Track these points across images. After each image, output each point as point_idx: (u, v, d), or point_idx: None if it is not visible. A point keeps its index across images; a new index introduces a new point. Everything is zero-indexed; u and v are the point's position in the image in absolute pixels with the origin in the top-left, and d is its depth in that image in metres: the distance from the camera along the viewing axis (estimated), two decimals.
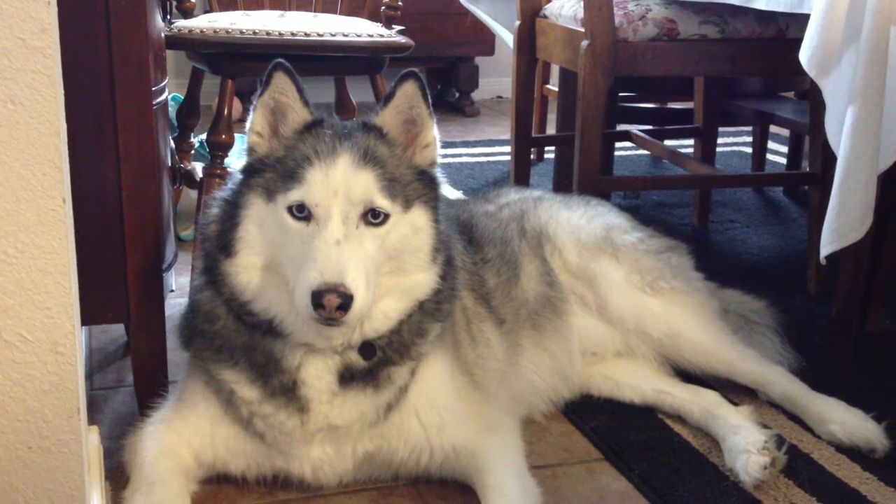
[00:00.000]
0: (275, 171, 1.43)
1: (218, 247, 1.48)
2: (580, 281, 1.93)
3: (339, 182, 1.39)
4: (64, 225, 1.08)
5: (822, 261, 1.89)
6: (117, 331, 2.16)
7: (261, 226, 1.44)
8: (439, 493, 1.58)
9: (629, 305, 1.90)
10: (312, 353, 1.46)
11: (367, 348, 1.47)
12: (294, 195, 1.39)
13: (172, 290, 2.34)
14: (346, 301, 1.32)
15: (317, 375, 1.46)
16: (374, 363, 1.48)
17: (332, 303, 1.31)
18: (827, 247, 1.84)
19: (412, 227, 1.46)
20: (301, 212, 1.39)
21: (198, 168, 2.46)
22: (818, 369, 2.00)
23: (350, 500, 1.56)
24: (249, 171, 1.47)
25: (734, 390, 1.91)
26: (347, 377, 1.47)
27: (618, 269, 1.92)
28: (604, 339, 1.93)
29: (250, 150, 1.48)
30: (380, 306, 1.45)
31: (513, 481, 1.50)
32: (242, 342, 1.48)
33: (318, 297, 1.31)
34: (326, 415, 1.47)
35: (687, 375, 1.92)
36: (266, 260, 1.44)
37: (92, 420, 1.71)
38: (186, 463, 1.52)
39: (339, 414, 1.47)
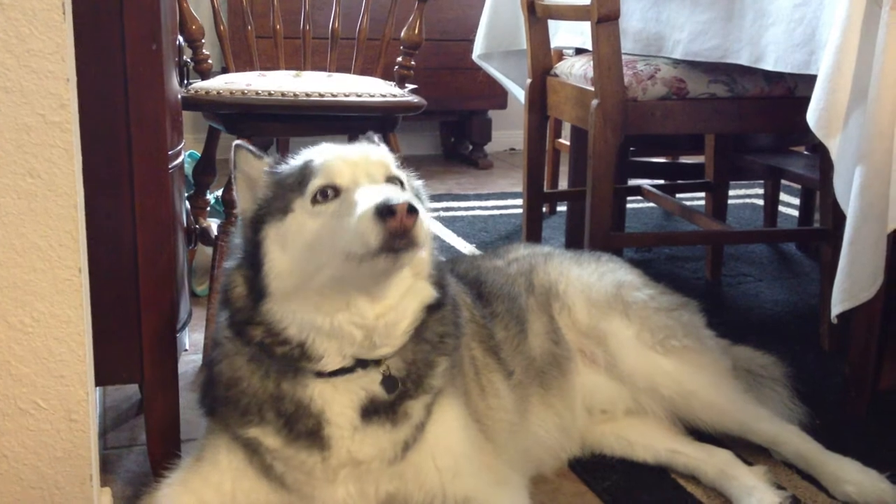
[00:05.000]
0: (278, 198, 1.46)
1: (250, 299, 1.47)
2: (590, 339, 1.93)
3: (357, 155, 1.42)
4: (79, 294, 1.11)
5: (834, 320, 1.89)
6: (131, 388, 2.17)
7: (284, 243, 1.43)
8: None
9: (640, 364, 1.90)
10: (337, 389, 1.46)
11: (389, 381, 1.47)
12: (316, 182, 1.41)
13: (186, 350, 2.37)
14: (412, 208, 1.30)
15: (340, 412, 1.46)
16: (395, 396, 1.48)
17: (402, 208, 1.29)
18: (838, 306, 1.85)
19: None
20: (325, 195, 1.40)
21: (213, 225, 2.49)
22: (832, 427, 1.98)
23: None
24: (254, 221, 1.48)
25: (748, 449, 1.89)
26: (371, 411, 1.47)
27: (628, 327, 1.92)
28: (613, 397, 1.92)
29: (243, 216, 1.52)
30: (400, 302, 1.45)
31: None
32: (269, 394, 1.47)
33: (384, 210, 1.29)
34: (349, 449, 1.47)
35: (700, 433, 1.92)
36: (297, 278, 1.42)
37: (105, 481, 1.72)
38: None
39: (359, 449, 1.47)
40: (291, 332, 1.44)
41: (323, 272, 1.40)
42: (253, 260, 1.46)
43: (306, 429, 1.46)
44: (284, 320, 1.44)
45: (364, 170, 1.41)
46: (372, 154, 1.45)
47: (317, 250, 1.40)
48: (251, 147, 1.52)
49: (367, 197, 1.34)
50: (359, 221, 1.32)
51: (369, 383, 1.47)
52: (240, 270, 1.49)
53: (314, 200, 1.40)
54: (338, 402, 1.46)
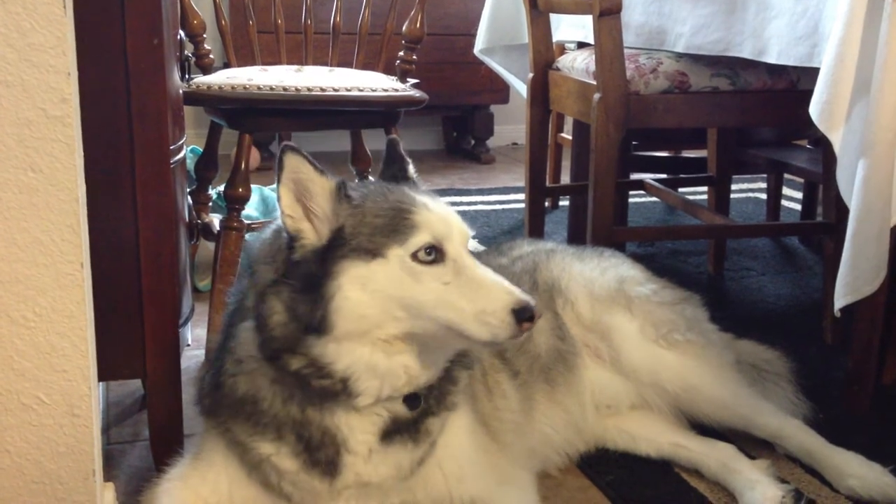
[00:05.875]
0: (361, 235, 1.39)
1: (292, 328, 1.41)
2: (594, 334, 1.92)
3: (452, 219, 1.43)
4: (82, 289, 1.10)
5: (837, 313, 1.88)
6: (134, 384, 2.17)
7: (365, 285, 1.38)
8: None
9: (643, 358, 1.89)
10: (362, 414, 1.44)
11: (411, 398, 1.47)
12: (420, 238, 1.37)
13: (188, 345, 2.37)
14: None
15: (362, 440, 1.45)
16: (418, 414, 1.48)
17: (539, 314, 1.36)
18: (841, 300, 1.84)
19: None
20: (429, 255, 1.37)
21: (215, 220, 2.49)
22: (835, 421, 1.98)
23: None
24: (325, 250, 1.40)
25: (751, 443, 1.89)
26: (393, 431, 1.46)
27: (631, 322, 1.91)
28: (618, 392, 1.92)
29: (295, 235, 1.41)
30: None
31: None
32: (292, 418, 1.45)
33: (525, 313, 1.35)
34: (359, 472, 1.46)
35: (703, 427, 1.91)
36: (371, 323, 1.39)
37: (108, 476, 1.72)
38: None
39: (373, 471, 1.46)
40: (337, 368, 1.41)
41: (405, 324, 1.39)
42: (312, 291, 1.38)
43: (326, 457, 1.45)
44: (332, 355, 1.40)
45: (461, 237, 1.42)
46: (461, 218, 1.46)
47: (411, 308, 1.38)
48: (305, 154, 1.41)
49: (498, 287, 1.37)
50: (494, 312, 1.35)
51: (392, 403, 1.46)
52: (278, 297, 1.42)
53: (415, 257, 1.37)
54: (361, 428, 1.45)
